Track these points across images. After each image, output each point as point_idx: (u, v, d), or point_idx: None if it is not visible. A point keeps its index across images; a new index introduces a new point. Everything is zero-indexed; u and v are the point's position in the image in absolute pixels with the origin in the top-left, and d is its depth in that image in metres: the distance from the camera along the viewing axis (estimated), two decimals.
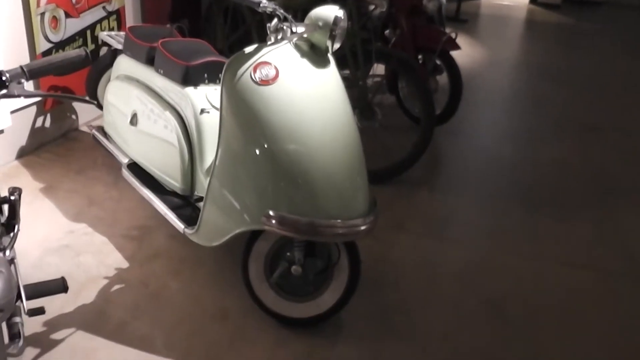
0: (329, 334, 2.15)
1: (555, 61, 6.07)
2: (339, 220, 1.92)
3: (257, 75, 1.95)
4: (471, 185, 3.37)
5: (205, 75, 2.47)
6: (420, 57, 3.82)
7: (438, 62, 3.77)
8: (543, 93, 5.03)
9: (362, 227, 1.95)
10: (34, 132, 3.30)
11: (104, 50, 3.54)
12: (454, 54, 3.73)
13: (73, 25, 3.40)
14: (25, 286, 1.68)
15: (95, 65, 3.26)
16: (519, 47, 6.86)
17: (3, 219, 1.68)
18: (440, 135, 3.76)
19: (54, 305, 2.14)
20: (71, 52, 1.56)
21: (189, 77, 2.45)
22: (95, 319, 2.15)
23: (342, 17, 2.02)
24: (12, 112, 3.10)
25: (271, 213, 1.92)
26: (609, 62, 6.24)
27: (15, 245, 1.69)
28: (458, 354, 2.11)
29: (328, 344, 2.10)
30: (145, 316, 2.18)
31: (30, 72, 1.50)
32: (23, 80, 1.50)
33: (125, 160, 2.74)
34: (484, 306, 2.36)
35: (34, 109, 3.28)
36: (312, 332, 2.14)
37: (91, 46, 3.57)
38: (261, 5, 2.00)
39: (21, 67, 1.50)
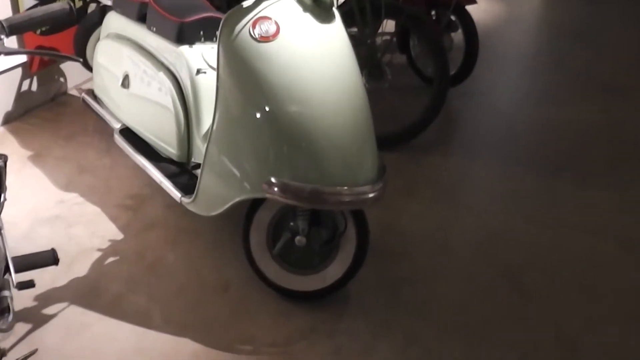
0: (335, 307, 2.15)
1: (578, 17, 5.94)
2: (345, 187, 1.90)
3: (257, 32, 1.91)
4: (487, 149, 3.34)
5: (201, 32, 2.43)
6: (433, 12, 3.75)
7: (452, 17, 3.71)
8: (565, 51, 4.94)
9: (370, 195, 1.94)
10: (20, 96, 3.28)
11: (92, 7, 3.49)
12: (470, 8, 3.66)
13: None
14: (13, 258, 1.69)
15: (83, 24, 3.23)
16: (540, 1, 6.71)
17: None
18: (454, 97, 3.72)
19: (45, 278, 2.15)
20: (54, 6, 1.52)
21: (184, 35, 2.41)
22: (89, 292, 2.16)
23: None
24: None
25: (273, 180, 1.90)
26: (635, 20, 6.10)
27: (3, 216, 1.70)
28: (471, 327, 2.11)
29: (334, 318, 2.11)
30: (142, 289, 2.19)
31: (11, 28, 1.47)
32: (3, 37, 1.47)
33: (117, 126, 2.73)
34: (499, 277, 2.36)
35: (19, 71, 3.24)
36: (316, 306, 2.14)
37: (79, 3, 3.51)
38: None
39: (0, 22, 1.46)
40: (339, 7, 2.07)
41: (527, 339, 2.08)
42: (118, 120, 2.75)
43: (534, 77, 4.49)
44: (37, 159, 2.93)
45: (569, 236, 2.62)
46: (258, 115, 1.92)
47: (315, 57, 1.95)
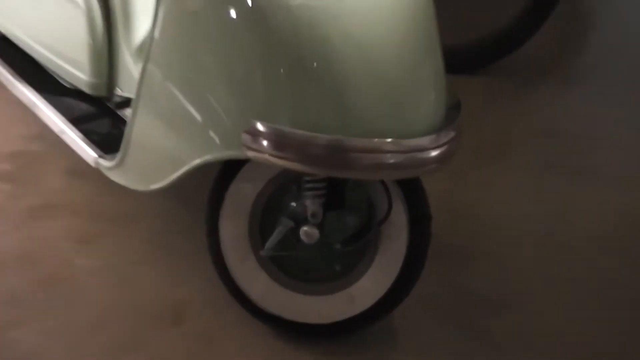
0: (366, 340, 2.17)
1: None
2: (388, 140, 1.83)
3: None
4: (627, 78, 3.41)
5: None
6: None
7: None
8: None
9: (434, 153, 1.87)
10: None
11: None
12: None
13: None
14: None
15: None
16: None
17: None
18: None
19: None
20: None
21: None
22: None
23: None
24: None
25: (260, 127, 1.84)
26: None
27: None
28: None
29: None
30: (33, 319, 2.19)
31: None
32: None
33: None
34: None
35: None
36: (333, 342, 2.16)
37: None
38: None
39: None
40: None
41: None
42: None
43: None
44: None
45: None
46: (233, 13, 1.86)
47: None
